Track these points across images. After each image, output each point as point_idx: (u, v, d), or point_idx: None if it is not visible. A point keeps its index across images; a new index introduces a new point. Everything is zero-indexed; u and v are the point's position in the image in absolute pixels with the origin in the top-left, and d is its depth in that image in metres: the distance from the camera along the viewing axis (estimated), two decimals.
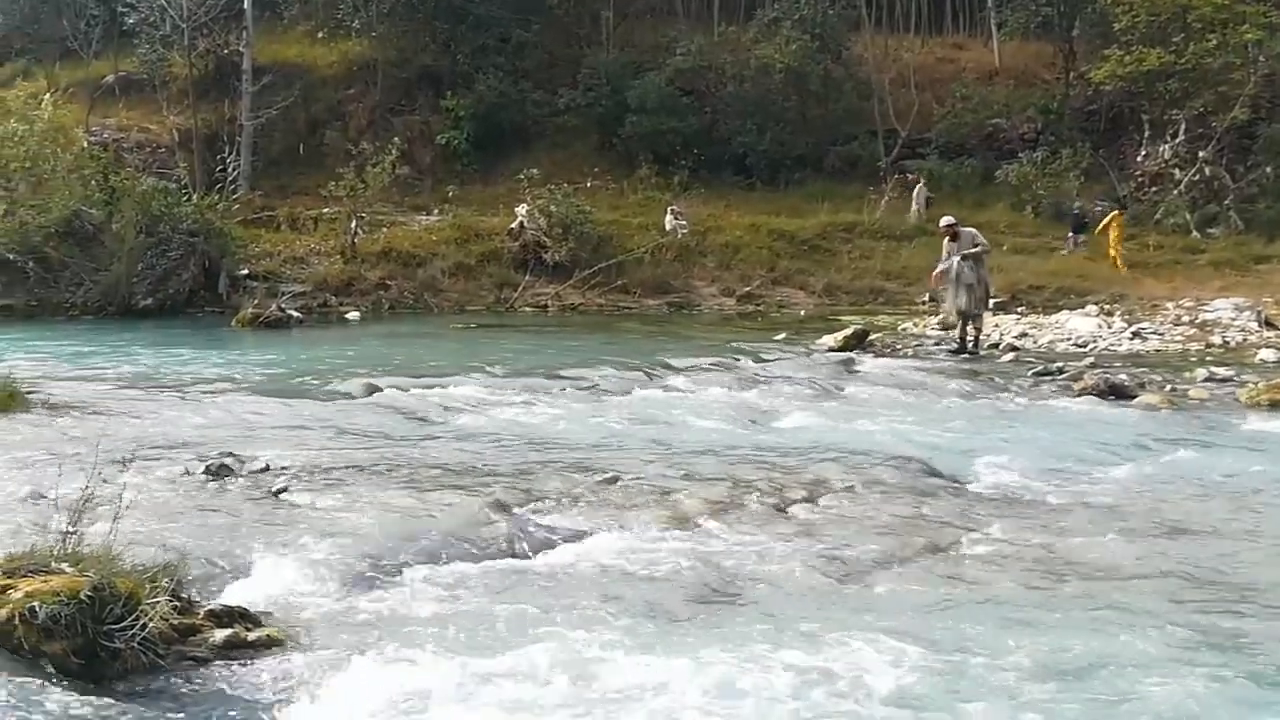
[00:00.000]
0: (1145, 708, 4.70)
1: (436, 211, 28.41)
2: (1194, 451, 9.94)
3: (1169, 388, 13.37)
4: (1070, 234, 26.72)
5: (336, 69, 33.53)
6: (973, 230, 17.16)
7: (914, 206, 28.99)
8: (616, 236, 26.21)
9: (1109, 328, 18.76)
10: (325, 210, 26.74)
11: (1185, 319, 19.72)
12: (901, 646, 5.22)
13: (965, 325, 16.83)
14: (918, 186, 29.39)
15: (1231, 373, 14.31)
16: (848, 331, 17.33)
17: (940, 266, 16.65)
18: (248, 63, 30.65)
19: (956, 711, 4.63)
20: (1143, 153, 30.83)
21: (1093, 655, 5.17)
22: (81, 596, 4.68)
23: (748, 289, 25.35)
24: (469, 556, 6.63)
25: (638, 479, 8.47)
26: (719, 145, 31.82)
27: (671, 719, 4.55)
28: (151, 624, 4.75)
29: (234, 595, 5.75)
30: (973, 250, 16.51)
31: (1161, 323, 19.32)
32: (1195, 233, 27.49)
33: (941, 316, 18.79)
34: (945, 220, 17.11)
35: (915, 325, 19.86)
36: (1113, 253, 24.73)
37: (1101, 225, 25.60)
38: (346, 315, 22.89)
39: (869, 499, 8.09)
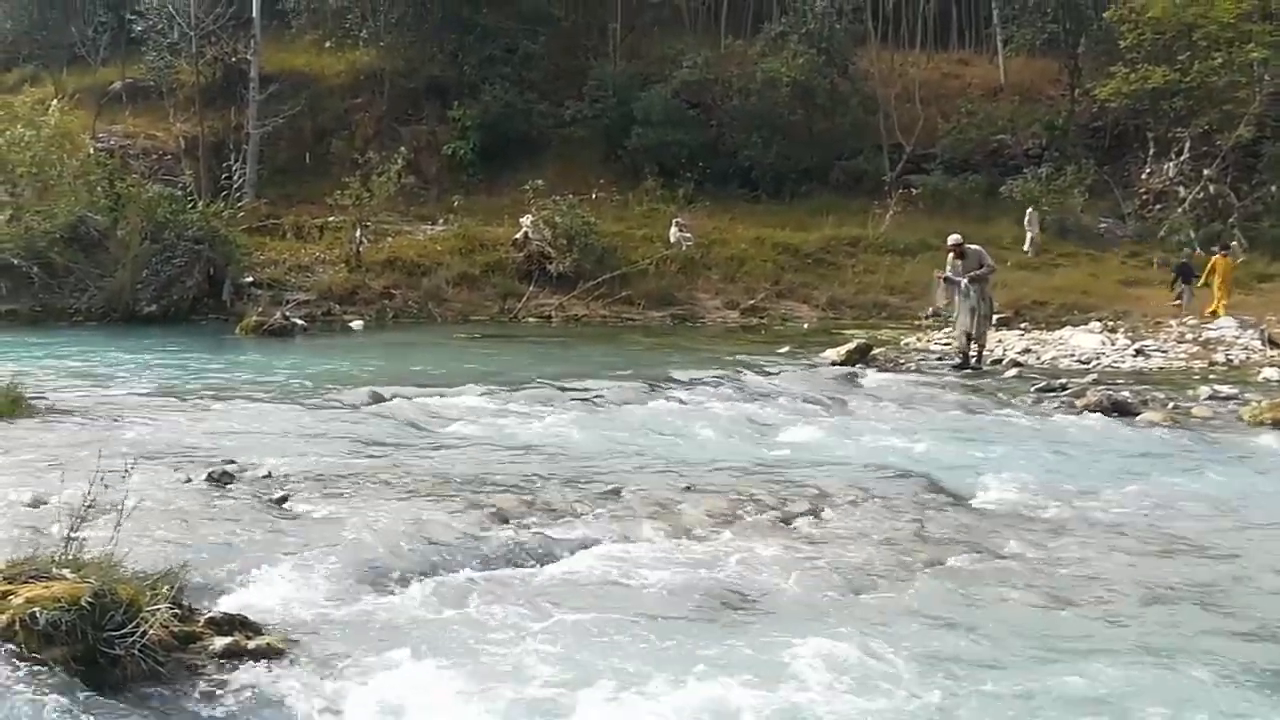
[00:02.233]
0: None
1: (441, 221, 28.45)
2: (1196, 470, 9.92)
3: (1172, 405, 13.35)
4: (1178, 283, 23.49)
5: (343, 78, 33.62)
6: (979, 249, 17.15)
7: (1029, 235, 27.26)
8: (621, 248, 26.25)
9: (1112, 345, 18.76)
10: (330, 219, 26.80)
11: (1188, 337, 19.70)
12: (902, 661, 5.21)
13: (969, 341, 16.84)
14: (1029, 212, 27.64)
15: (1234, 391, 14.30)
16: (851, 345, 17.31)
17: (937, 275, 16.66)
18: (255, 71, 30.74)
19: None
20: (1147, 170, 30.86)
21: (1091, 673, 5.16)
22: (82, 603, 4.68)
23: (752, 302, 25.36)
24: (470, 566, 6.63)
25: (640, 491, 8.46)
26: (724, 158, 31.86)
27: None
28: (152, 631, 4.75)
29: (234, 603, 5.75)
30: (979, 272, 16.54)
31: (1165, 340, 19.30)
32: (1199, 251, 27.47)
33: (945, 331, 18.78)
34: (953, 238, 17.09)
35: (918, 340, 19.85)
36: (1217, 302, 21.97)
37: (1209, 271, 22.78)
38: (350, 324, 22.91)
39: (871, 513, 8.08)
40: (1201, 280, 23.01)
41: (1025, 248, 27.18)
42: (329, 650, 5.24)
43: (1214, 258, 23.00)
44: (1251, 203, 29.09)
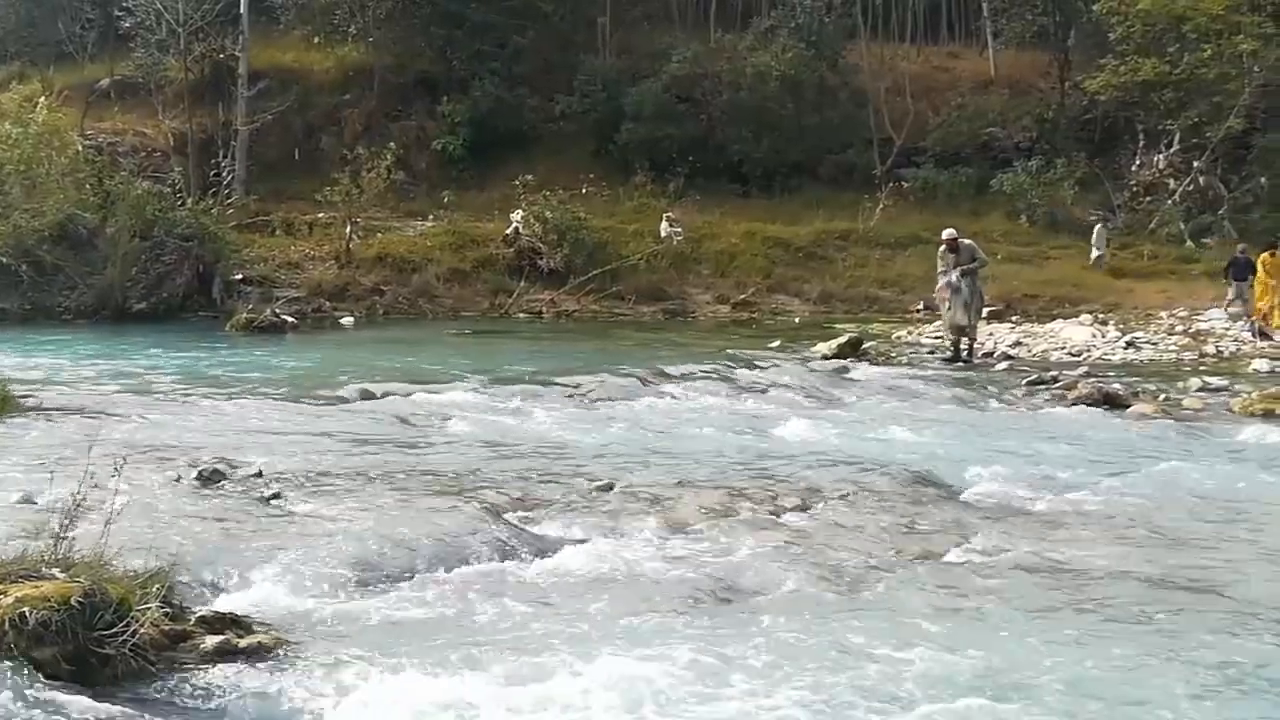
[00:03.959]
0: (1136, 715, 4.70)
1: (431, 217, 28.39)
2: (1187, 461, 9.94)
3: (1163, 397, 13.39)
4: (1234, 283, 20.53)
5: (332, 74, 33.50)
6: (972, 243, 17.17)
7: (1094, 252, 25.71)
8: (612, 243, 26.21)
9: (1103, 337, 18.79)
10: (320, 215, 26.73)
11: (1179, 329, 19.75)
12: (894, 654, 5.21)
13: (961, 334, 16.85)
14: (1097, 228, 26.26)
15: (1225, 382, 14.34)
16: (842, 339, 17.31)
17: (942, 281, 16.64)
18: (244, 67, 30.60)
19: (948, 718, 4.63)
20: (1137, 162, 30.88)
21: (1085, 664, 5.17)
22: (72, 602, 4.67)
23: (743, 296, 25.36)
24: (462, 563, 6.62)
25: (632, 486, 8.46)
26: (715, 152, 31.82)
27: None
28: (142, 630, 4.74)
29: (226, 602, 5.74)
30: (972, 266, 16.54)
31: (1155, 332, 19.34)
32: (1189, 242, 27.54)
33: (935, 325, 18.79)
34: (947, 233, 17.10)
35: (909, 333, 19.86)
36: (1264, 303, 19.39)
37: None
38: (341, 320, 22.86)
39: (863, 507, 8.08)
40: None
41: (1093, 265, 25.74)
42: (321, 648, 5.23)
43: (1264, 254, 19.99)
44: (1241, 194, 29.13)
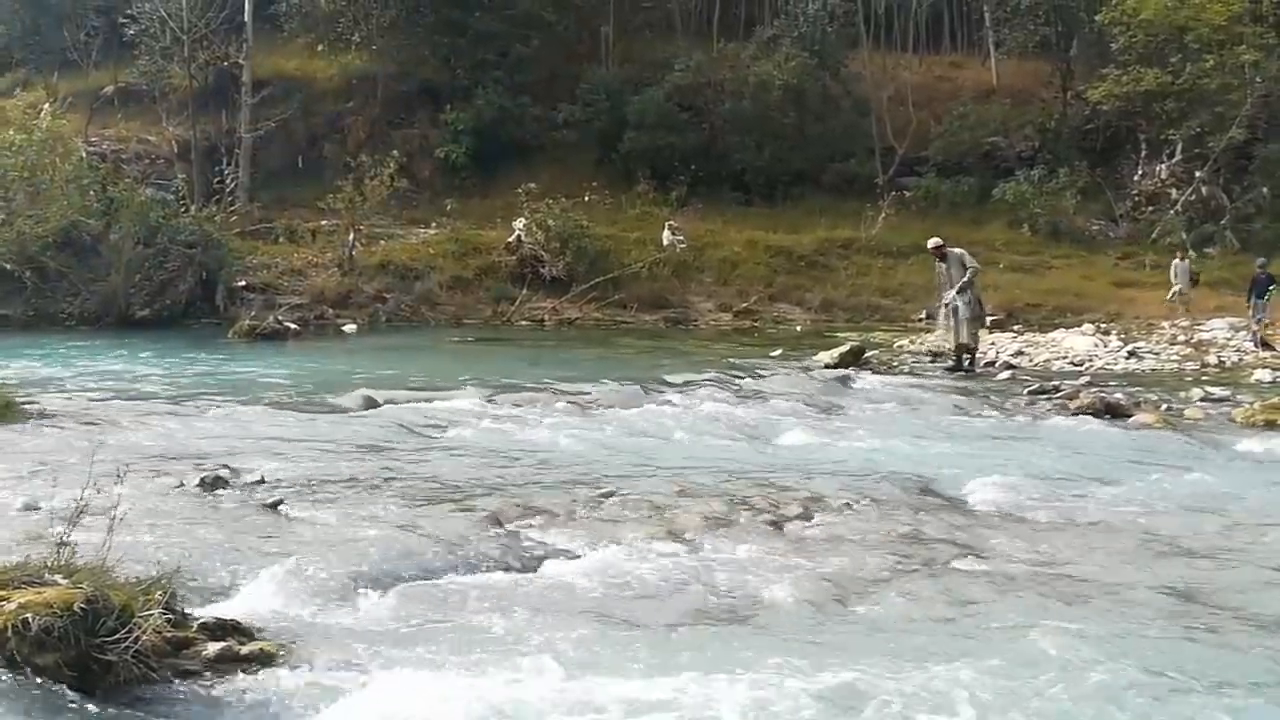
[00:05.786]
0: None
1: (434, 225, 28.44)
2: (1189, 471, 9.93)
3: (1165, 407, 13.38)
4: (1253, 300, 19.80)
5: (336, 82, 33.59)
6: (961, 251, 17.12)
7: (1174, 286, 22.47)
8: (614, 251, 26.27)
9: (1105, 346, 18.81)
10: (323, 223, 26.77)
11: (1181, 338, 19.75)
12: (895, 663, 5.21)
13: (963, 350, 16.79)
14: (1175, 261, 23.25)
15: (1227, 392, 14.34)
16: (844, 348, 17.33)
17: (944, 304, 16.55)
18: (247, 75, 30.67)
19: None
20: (1139, 172, 30.94)
21: (1087, 674, 5.17)
22: (75, 608, 4.66)
23: (745, 304, 25.41)
24: (464, 571, 6.62)
25: (633, 494, 8.46)
26: (717, 161, 31.89)
27: None
28: (144, 636, 4.73)
29: (228, 608, 5.74)
30: (965, 280, 16.43)
31: (1157, 342, 19.36)
32: (1192, 252, 27.55)
33: (936, 334, 18.78)
34: (932, 241, 17.11)
35: (911, 342, 19.87)
36: None
37: None
38: (343, 328, 22.89)
39: (864, 516, 8.08)
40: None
41: (1172, 298, 22.77)
42: (322, 656, 5.23)
43: None
44: (1243, 204, 29.19)
